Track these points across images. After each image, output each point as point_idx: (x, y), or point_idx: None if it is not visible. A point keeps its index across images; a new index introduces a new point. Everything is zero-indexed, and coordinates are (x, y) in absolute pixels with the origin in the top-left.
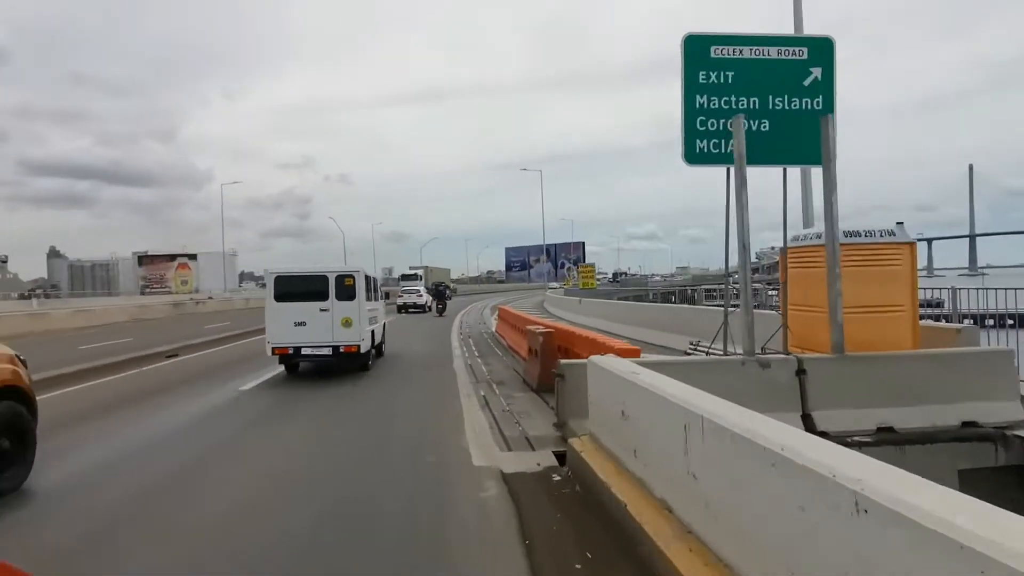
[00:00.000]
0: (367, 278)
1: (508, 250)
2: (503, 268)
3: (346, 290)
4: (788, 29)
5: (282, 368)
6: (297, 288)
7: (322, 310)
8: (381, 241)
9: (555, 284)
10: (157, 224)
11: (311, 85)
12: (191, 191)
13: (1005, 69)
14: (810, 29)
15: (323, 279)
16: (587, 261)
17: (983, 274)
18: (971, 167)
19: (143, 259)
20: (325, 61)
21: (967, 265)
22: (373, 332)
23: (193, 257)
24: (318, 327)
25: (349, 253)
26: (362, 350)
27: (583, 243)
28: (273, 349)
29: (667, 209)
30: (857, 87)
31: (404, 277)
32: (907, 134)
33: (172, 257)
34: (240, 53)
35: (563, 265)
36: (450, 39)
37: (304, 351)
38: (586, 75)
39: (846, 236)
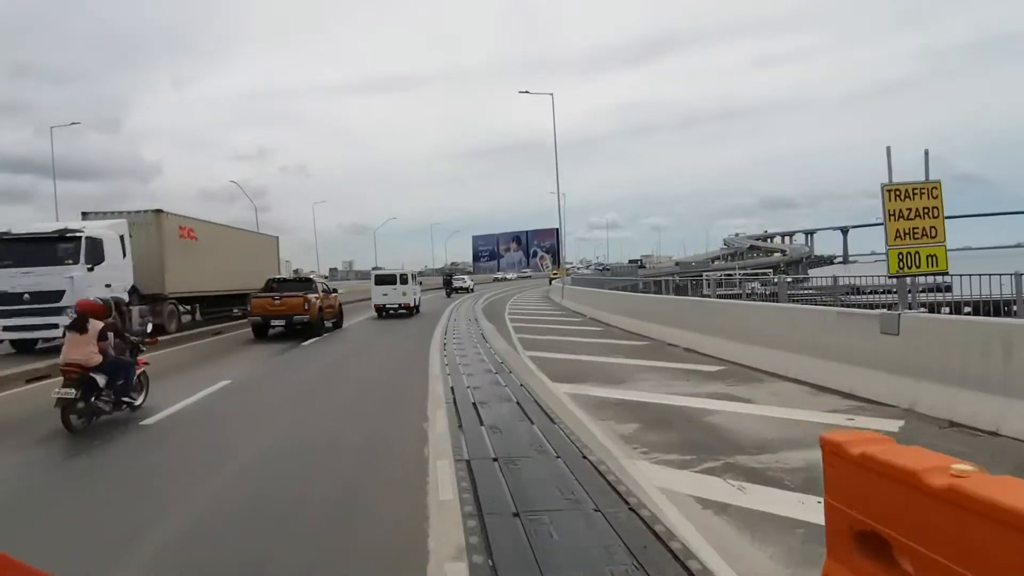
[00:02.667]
0: (412, 275)
1: (476, 238)
2: (470, 259)
3: (404, 279)
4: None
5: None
6: (383, 279)
7: (394, 288)
8: (340, 233)
9: (529, 271)
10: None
11: (266, 73)
12: (139, 183)
13: (954, 57)
14: (780, 19)
15: (394, 275)
16: (560, 249)
17: None
18: (927, 152)
19: None
20: (281, 47)
21: None
22: (415, 299)
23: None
24: (393, 296)
25: (308, 246)
26: (412, 306)
27: (556, 229)
28: (375, 305)
29: (627, 196)
30: (813, 77)
31: None
32: (856, 122)
33: None
34: (192, 38)
35: (535, 254)
36: (416, 25)
37: (387, 307)
38: (551, 62)
39: None
